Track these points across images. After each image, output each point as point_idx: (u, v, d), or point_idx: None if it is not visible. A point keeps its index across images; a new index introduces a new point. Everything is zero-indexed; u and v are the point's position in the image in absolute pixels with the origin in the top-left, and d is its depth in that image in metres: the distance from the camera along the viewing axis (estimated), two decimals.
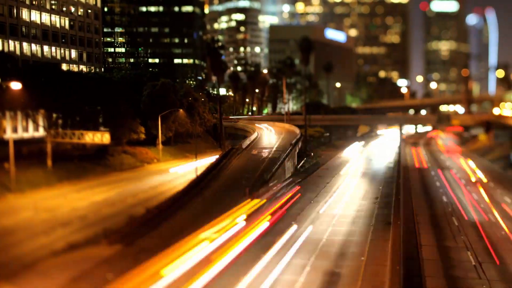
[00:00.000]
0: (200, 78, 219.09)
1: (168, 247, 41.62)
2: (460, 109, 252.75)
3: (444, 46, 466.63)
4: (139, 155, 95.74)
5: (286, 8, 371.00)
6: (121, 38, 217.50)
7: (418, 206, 67.11)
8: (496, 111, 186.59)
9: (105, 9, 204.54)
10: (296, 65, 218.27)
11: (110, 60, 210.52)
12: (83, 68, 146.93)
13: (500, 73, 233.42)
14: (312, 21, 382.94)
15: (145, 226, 49.38)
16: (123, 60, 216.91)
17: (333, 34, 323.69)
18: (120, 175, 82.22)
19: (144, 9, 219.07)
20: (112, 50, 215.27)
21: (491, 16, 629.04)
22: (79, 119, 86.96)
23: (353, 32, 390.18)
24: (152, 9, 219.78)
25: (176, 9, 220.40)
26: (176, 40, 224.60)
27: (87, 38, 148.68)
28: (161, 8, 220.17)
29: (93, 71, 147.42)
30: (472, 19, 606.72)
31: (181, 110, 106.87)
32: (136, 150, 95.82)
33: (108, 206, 60.12)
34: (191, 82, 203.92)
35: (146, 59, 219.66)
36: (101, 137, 75.51)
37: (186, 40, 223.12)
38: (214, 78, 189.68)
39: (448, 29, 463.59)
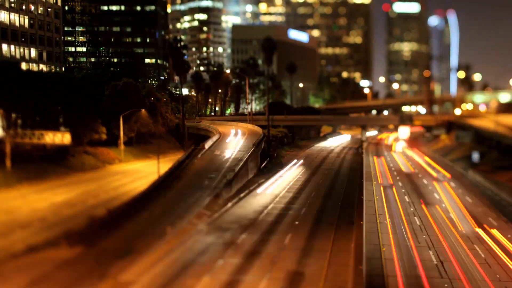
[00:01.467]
0: (162, 78, 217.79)
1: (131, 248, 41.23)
2: (422, 109, 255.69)
3: (406, 47, 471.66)
4: (101, 155, 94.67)
5: (249, 8, 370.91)
6: (82, 37, 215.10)
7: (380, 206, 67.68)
8: (457, 111, 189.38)
9: (66, 8, 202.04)
10: (259, 65, 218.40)
11: (71, 59, 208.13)
12: (43, 67, 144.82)
13: (461, 74, 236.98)
14: (274, 21, 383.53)
15: (106, 227, 48.73)
16: (84, 59, 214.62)
17: (296, 35, 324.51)
18: (81, 176, 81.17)
19: (105, 8, 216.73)
20: (73, 49, 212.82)
21: (452, 18, 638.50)
22: (39, 119, 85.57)
23: (316, 33, 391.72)
24: (114, 8, 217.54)
25: (138, 8, 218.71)
26: (138, 40, 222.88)
27: (47, 37, 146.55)
28: (123, 7, 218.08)
29: (53, 70, 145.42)
30: (434, 21, 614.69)
31: (143, 110, 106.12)
32: (97, 151, 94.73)
33: (69, 207, 59.25)
34: (153, 82, 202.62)
35: (107, 58, 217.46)
36: (62, 138, 74.53)
37: (148, 40, 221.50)
38: (176, 78, 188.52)
39: (410, 30, 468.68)
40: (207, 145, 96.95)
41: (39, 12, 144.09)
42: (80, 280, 36.54)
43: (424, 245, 48.42)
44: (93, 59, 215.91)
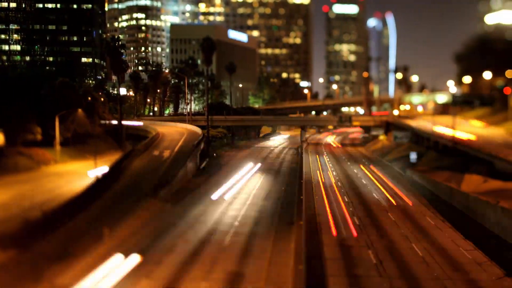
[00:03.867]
0: (99, 77, 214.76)
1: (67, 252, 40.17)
2: (361, 110, 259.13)
3: (345, 49, 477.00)
4: (36, 156, 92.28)
5: (188, 7, 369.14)
6: (16, 35, 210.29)
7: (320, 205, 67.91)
8: (395, 112, 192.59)
9: None
10: (198, 65, 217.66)
11: (4, 58, 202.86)
12: None
13: (399, 76, 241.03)
14: (214, 21, 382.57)
15: (42, 230, 47.29)
16: (18, 58, 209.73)
17: (236, 35, 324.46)
18: (15, 177, 78.87)
19: (41, 5, 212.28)
20: (6, 47, 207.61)
21: (391, 20, 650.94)
22: None
23: (256, 33, 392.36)
24: (50, 5, 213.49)
25: (75, 6, 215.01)
26: (75, 38, 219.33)
27: None
28: (59, 5, 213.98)
29: None
30: (372, 23, 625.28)
31: (80, 110, 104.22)
32: (32, 151, 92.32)
33: (2, 209, 57.34)
34: (90, 81, 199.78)
35: (43, 57, 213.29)
36: None
37: (85, 38, 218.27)
38: (114, 78, 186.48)
39: (349, 31, 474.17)
40: (146, 145, 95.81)
41: None
42: (14, 284, 35.39)
43: (363, 245, 48.69)
44: (28, 58, 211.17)
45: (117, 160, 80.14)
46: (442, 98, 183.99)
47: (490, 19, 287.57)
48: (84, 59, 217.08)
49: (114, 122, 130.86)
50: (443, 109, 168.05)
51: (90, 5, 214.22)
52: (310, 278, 37.69)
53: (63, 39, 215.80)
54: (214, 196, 71.23)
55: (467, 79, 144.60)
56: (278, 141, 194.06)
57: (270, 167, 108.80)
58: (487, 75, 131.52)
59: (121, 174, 74.07)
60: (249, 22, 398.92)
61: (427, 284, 38.70)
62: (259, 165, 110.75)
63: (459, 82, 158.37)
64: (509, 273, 40.62)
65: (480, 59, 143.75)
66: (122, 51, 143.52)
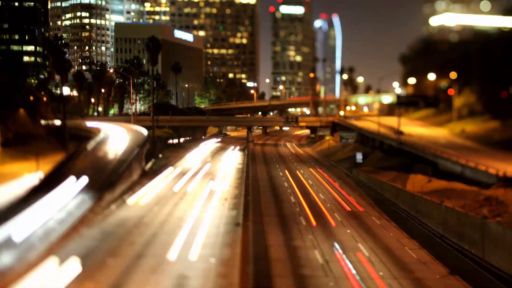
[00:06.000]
0: (42, 76, 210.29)
1: None
2: (308, 111, 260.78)
3: (292, 49, 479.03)
4: None
5: (133, 6, 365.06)
6: None
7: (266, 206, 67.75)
8: (342, 113, 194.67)
9: None
10: (144, 65, 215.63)
11: None
12: None
13: (345, 77, 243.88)
14: (159, 20, 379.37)
15: None
16: None
17: (182, 35, 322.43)
18: None
19: None
20: None
21: (337, 21, 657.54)
22: None
23: (202, 33, 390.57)
24: None
25: (16, 4, 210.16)
26: (17, 37, 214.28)
27: None
28: (0, 3, 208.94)
29: None
30: (318, 24, 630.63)
31: (21, 110, 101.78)
32: None
33: None
34: (32, 80, 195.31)
35: None
36: None
37: (27, 37, 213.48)
38: (57, 77, 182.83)
39: (295, 32, 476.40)
40: (90, 146, 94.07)
41: None
42: None
43: (310, 245, 48.64)
44: None
45: (60, 161, 78.32)
46: (387, 99, 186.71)
47: (434, 21, 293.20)
48: (26, 58, 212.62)
49: (58, 122, 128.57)
50: (388, 110, 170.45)
51: (32, 3, 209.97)
52: (257, 279, 37.46)
53: (4, 37, 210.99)
54: (158, 196, 70.40)
55: (412, 80, 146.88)
56: (224, 141, 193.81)
57: (217, 168, 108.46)
58: (432, 76, 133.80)
59: (64, 175, 72.27)
60: (195, 22, 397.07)
61: (372, 283, 38.81)
62: (206, 165, 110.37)
63: (404, 83, 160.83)
64: (453, 271, 41.14)
65: (424, 60, 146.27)
66: (65, 50, 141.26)
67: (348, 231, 54.69)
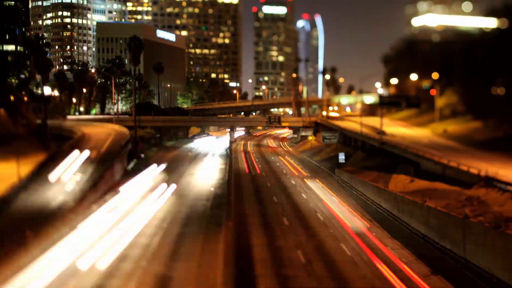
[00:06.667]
0: (23, 76, 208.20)
1: None
2: (290, 111, 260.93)
3: (275, 49, 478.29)
4: None
5: (115, 6, 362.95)
6: None
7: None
8: (324, 113, 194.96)
9: None
10: (125, 65, 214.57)
11: None
12: None
13: (327, 77, 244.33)
14: (141, 20, 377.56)
15: None
16: None
17: (164, 34, 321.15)
18: None
19: None
20: None
21: (319, 22, 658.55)
22: None
23: (184, 33, 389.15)
24: None
25: None
26: None
27: None
28: None
29: None
30: (301, 24, 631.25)
31: (2, 109, 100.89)
32: None
33: None
34: (13, 80, 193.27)
35: None
36: None
37: (7, 36, 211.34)
38: (38, 77, 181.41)
39: (278, 32, 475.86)
40: (71, 146, 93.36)
41: None
42: None
43: (292, 245, 48.65)
44: None
45: (41, 161, 77.65)
46: (370, 99, 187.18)
47: (417, 21, 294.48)
48: (6, 58, 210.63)
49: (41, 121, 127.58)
50: (370, 110, 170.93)
51: (12, 2, 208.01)
52: (239, 279, 37.40)
53: None
54: (141, 196, 70.19)
55: (394, 81, 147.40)
56: (207, 141, 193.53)
57: (199, 168, 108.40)
58: (414, 76, 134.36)
59: (45, 176, 71.67)
60: (178, 22, 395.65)
61: (354, 284, 38.88)
62: (187, 166, 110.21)
63: (386, 84, 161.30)
64: (435, 271, 41.32)
65: (407, 60, 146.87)
66: (47, 49, 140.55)
67: (331, 231, 54.77)
